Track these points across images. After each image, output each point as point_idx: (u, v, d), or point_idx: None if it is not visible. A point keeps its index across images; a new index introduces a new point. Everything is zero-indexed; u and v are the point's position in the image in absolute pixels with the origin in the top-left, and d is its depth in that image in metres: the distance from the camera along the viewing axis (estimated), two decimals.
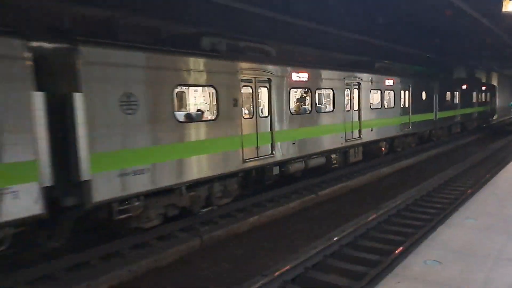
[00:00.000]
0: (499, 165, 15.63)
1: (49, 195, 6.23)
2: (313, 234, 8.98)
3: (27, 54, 5.94)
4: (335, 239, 8.11)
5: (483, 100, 31.11)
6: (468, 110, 27.28)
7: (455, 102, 25.01)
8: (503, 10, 9.76)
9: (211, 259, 7.91)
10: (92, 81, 6.75)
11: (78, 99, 6.53)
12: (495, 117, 36.57)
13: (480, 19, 17.54)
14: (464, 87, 26.50)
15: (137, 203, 7.61)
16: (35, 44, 6.22)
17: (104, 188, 6.93)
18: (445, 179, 13.83)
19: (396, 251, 7.43)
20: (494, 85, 36.34)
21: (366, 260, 7.45)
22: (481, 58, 31.61)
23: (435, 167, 16.67)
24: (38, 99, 6.06)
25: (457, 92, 25.23)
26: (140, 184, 7.53)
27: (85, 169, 6.63)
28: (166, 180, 8.08)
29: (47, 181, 6.19)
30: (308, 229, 9.60)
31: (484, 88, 31.58)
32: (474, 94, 28.77)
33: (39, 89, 6.07)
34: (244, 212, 10.19)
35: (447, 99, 23.50)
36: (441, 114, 22.22)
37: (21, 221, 6.00)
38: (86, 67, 6.65)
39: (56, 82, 6.62)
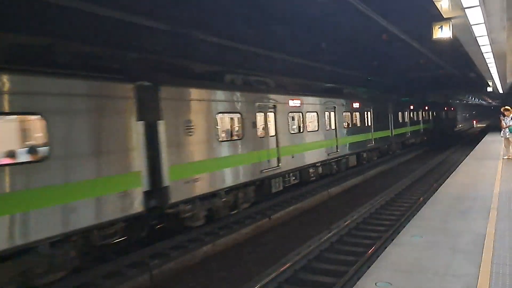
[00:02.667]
0: (440, 179, 16.53)
1: None
2: (267, 260, 8.88)
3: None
4: (288, 264, 8.07)
5: (451, 117, 49.51)
6: (445, 123, 43.71)
7: (441, 118, 41.99)
8: (434, 37, 10.50)
9: None
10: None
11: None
12: (457, 127, 56.73)
13: (413, 43, 18.75)
14: (445, 108, 44.79)
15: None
16: None
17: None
18: (391, 196, 14.37)
19: (348, 274, 7.53)
20: (456, 107, 56.50)
21: (320, 283, 7.47)
22: (418, 79, 33.67)
23: (380, 184, 17.28)
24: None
25: (440, 112, 41.78)
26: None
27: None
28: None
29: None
30: (262, 255, 9.50)
31: (452, 109, 50.43)
32: (448, 113, 46.48)
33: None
34: (196, 242, 9.91)
35: (440, 116, 41.00)
36: (433, 125, 37.78)
37: None
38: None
39: None
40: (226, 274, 8.48)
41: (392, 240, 7.62)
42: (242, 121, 11.75)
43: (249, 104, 12.05)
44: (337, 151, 17.63)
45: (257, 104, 12.45)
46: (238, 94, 11.70)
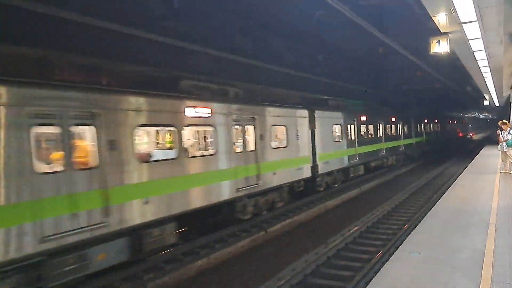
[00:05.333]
0: (437, 193, 16.46)
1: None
2: (263, 274, 8.75)
3: None
4: (285, 280, 7.94)
5: (465, 127, 67.48)
6: (462, 131, 60.82)
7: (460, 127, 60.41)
8: (431, 51, 10.54)
9: None
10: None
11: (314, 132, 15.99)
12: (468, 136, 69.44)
13: (409, 56, 18.82)
14: (463, 122, 64.41)
15: None
16: None
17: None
18: (387, 209, 14.27)
19: None
20: (466, 120, 74.60)
21: None
22: (413, 91, 33.81)
23: (377, 198, 17.18)
24: None
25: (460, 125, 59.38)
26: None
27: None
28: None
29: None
30: (258, 269, 9.36)
31: (466, 122, 70.37)
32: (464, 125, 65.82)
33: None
34: (191, 255, 9.78)
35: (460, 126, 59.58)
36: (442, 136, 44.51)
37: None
38: None
39: None
40: None
41: (390, 255, 7.52)
42: None
43: None
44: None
45: None
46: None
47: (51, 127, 7.13)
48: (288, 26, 15.03)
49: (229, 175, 11.02)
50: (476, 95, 33.59)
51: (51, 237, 6.73)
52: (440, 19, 8.88)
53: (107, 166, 7.77)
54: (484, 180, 14.22)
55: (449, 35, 10.17)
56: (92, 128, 7.70)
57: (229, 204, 11.34)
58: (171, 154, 9.51)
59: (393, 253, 7.35)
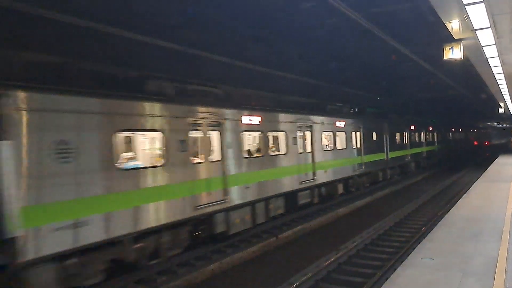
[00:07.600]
0: (451, 201, 16.29)
1: None
2: (274, 280, 8.76)
3: None
4: (296, 284, 7.96)
5: (487, 135, 74.75)
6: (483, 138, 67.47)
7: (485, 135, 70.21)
8: (444, 57, 10.53)
9: None
10: None
11: None
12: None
13: (423, 64, 18.76)
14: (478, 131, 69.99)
15: None
16: None
17: None
18: (400, 217, 14.16)
19: None
20: (481, 129, 78.36)
21: None
22: (427, 100, 33.55)
23: (390, 206, 17.05)
24: None
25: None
26: None
27: None
28: None
29: None
30: (269, 274, 9.36)
31: (481, 130, 72.89)
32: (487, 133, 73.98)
33: None
34: (203, 259, 9.85)
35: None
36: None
37: None
38: None
39: None
40: None
41: (402, 262, 7.49)
42: None
43: None
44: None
45: None
46: None
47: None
48: (300, 33, 15.09)
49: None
50: (491, 103, 33.19)
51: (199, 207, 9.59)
52: (454, 25, 8.90)
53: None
54: (499, 188, 14.05)
55: (463, 41, 10.17)
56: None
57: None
58: None
59: (405, 259, 7.32)
